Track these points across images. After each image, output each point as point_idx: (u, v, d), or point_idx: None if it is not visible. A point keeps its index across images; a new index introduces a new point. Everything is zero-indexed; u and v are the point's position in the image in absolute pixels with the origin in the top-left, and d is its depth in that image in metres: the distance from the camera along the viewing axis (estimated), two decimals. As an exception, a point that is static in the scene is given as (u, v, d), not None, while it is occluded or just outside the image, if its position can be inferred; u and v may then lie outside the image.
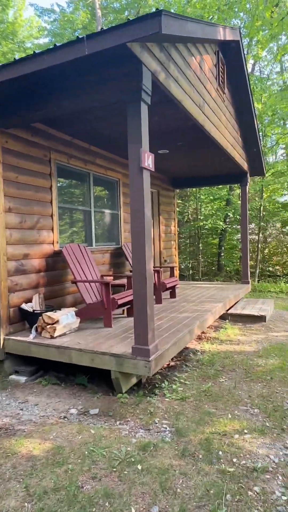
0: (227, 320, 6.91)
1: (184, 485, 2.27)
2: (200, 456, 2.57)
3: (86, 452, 2.65)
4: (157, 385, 3.92)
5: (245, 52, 14.18)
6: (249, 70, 14.67)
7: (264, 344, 5.35)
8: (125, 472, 2.42)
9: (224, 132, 6.54)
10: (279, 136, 14.46)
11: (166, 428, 3.01)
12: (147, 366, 3.45)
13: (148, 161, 3.48)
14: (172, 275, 7.50)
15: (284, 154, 17.14)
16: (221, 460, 2.51)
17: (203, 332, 6.11)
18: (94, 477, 2.38)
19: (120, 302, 4.79)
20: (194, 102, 4.76)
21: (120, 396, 3.58)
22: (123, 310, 5.69)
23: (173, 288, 7.01)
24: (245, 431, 2.89)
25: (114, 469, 2.45)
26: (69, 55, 3.20)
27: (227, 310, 7.05)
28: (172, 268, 7.47)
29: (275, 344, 5.38)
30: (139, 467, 2.46)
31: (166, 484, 2.28)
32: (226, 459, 2.52)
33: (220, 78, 6.17)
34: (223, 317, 7.00)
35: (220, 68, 6.19)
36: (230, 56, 6.51)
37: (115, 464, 2.49)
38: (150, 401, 3.51)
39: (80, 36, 3.11)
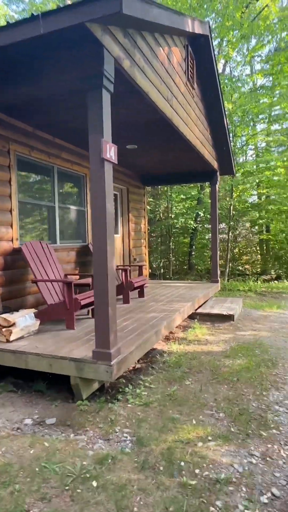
0: (196, 320, 6.83)
1: (142, 503, 2.09)
2: (161, 468, 2.39)
3: (37, 469, 2.41)
4: (120, 390, 3.72)
5: (216, 53, 14.26)
6: (220, 70, 14.76)
7: (232, 344, 5.28)
8: (79, 490, 2.20)
9: (194, 128, 6.43)
10: (248, 137, 14.66)
11: (126, 438, 2.82)
12: (109, 371, 3.24)
13: (110, 152, 3.27)
14: (140, 274, 7.33)
15: (254, 155, 17.43)
16: (183, 472, 2.35)
17: (171, 332, 5.98)
18: (44, 498, 2.15)
19: (83, 302, 4.55)
20: (161, 95, 4.59)
21: (79, 404, 3.35)
22: (88, 311, 5.44)
23: (141, 288, 6.84)
24: (209, 438, 2.75)
25: (67, 488, 2.23)
26: (23, 34, 2.93)
27: (196, 310, 6.97)
28: (140, 267, 7.30)
29: (242, 343, 5.33)
30: (94, 483, 2.25)
31: (122, 502, 2.09)
32: (188, 470, 2.37)
33: (190, 73, 6.05)
34: (192, 317, 6.92)
35: (190, 63, 6.07)
36: (200, 52, 6.40)
37: (68, 482, 2.27)
38: (112, 407, 3.30)
39: (35, 14, 2.85)
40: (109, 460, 2.49)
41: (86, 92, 3.22)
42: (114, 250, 3.46)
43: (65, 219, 6.41)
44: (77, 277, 6.20)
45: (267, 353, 4.85)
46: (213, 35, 13.61)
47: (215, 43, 13.87)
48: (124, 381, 3.97)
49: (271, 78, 15.26)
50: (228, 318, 6.75)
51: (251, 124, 14.37)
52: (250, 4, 12.74)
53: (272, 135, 14.71)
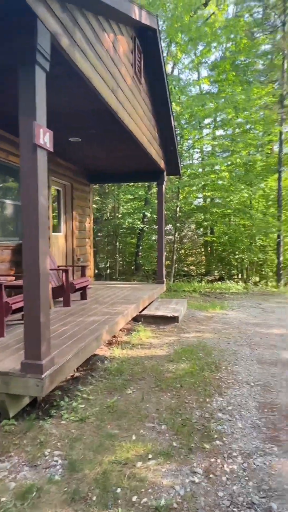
0: (140, 322, 6.63)
1: None
2: (94, 499, 2.10)
3: None
4: (55, 404, 3.35)
5: (165, 54, 14.31)
6: (169, 71, 14.83)
7: (176, 347, 5.15)
8: (-8, 537, 1.83)
9: (141, 125, 6.22)
10: (195, 140, 14.91)
11: (57, 462, 2.48)
12: (39, 384, 2.86)
13: (45, 138, 2.90)
14: (83, 274, 6.95)
15: (200, 158, 17.83)
16: (119, 501, 2.08)
17: (114, 336, 5.69)
18: None
19: (15, 306, 4.08)
20: (106, 83, 4.30)
21: (5, 423, 2.92)
22: (23, 316, 4.94)
23: (84, 289, 6.47)
24: (150, 456, 2.51)
25: (-23, 535, 1.84)
26: None
27: (141, 311, 6.77)
28: (83, 267, 6.91)
29: (186, 346, 5.22)
30: (13, 526, 1.89)
31: None
32: (124, 498, 2.10)
33: (137, 66, 5.83)
34: (136, 319, 6.70)
35: (137, 57, 5.85)
36: (148, 46, 6.21)
37: (-21, 527, 1.88)
38: (43, 426, 2.93)
39: None
40: (34, 493, 2.14)
41: (18, 69, 2.82)
42: (47, 249, 3.09)
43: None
44: (13, 278, 5.64)
45: (211, 356, 4.78)
46: (162, 36, 13.63)
47: (163, 44, 13.90)
48: (60, 392, 3.60)
49: (217, 85, 15.73)
50: (173, 320, 6.64)
51: (198, 127, 14.63)
52: (198, 10, 12.94)
53: (217, 140, 15.11)
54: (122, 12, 4.26)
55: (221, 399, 3.48)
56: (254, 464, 2.42)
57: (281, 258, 14.17)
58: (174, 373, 4.13)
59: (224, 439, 2.75)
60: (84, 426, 2.93)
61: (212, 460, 2.47)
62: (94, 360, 4.61)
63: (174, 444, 2.67)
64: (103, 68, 4.20)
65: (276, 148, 15.78)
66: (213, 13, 14.04)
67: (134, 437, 2.76)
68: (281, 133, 13.87)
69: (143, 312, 6.81)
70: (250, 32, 15.69)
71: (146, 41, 6.11)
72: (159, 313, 6.81)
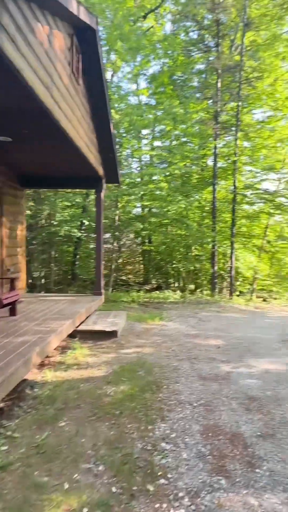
0: (77, 338, 6.17)
1: None
2: None
3: None
4: None
5: (104, 61, 14.13)
6: (108, 78, 14.66)
7: (115, 366, 4.81)
8: None
9: (78, 128, 5.87)
10: (134, 149, 14.90)
11: None
12: None
13: None
14: (13, 288, 6.29)
15: (139, 168, 17.90)
16: None
17: (47, 356, 5.17)
18: None
19: None
20: (39, 78, 3.89)
21: None
22: None
23: (13, 304, 5.83)
24: (85, 510, 2.14)
25: None
26: None
27: (77, 327, 6.31)
28: (13, 280, 6.27)
29: (125, 364, 4.91)
30: None
31: None
32: None
33: (75, 66, 5.48)
34: (72, 335, 6.23)
35: (75, 56, 5.51)
36: (87, 47, 5.90)
37: None
38: None
39: None
40: None
41: None
42: None
43: None
44: None
45: (151, 374, 4.54)
46: (102, 43, 13.45)
47: (103, 49, 13.72)
48: (-23, 432, 3.04)
49: (155, 97, 15.98)
50: (112, 334, 6.30)
51: (137, 137, 14.65)
52: (138, 21, 13.02)
53: (156, 150, 15.30)
54: (57, 1, 3.90)
55: (164, 425, 3.23)
56: (203, 504, 2.19)
57: (216, 268, 14.68)
58: (113, 397, 3.80)
59: (169, 475, 2.49)
60: (5, 476, 2.45)
61: (157, 505, 2.19)
62: (23, 386, 4.08)
63: (114, 489, 2.33)
64: (36, 61, 3.79)
65: (210, 162, 16.47)
66: (152, 26, 14.28)
67: (66, 485, 2.36)
68: (215, 147, 14.48)
69: (80, 327, 6.37)
70: (186, 50, 16.29)
71: (85, 42, 5.81)
72: (97, 327, 6.43)
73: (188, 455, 2.75)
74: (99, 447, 2.82)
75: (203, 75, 17.29)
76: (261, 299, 15.63)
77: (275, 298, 16.07)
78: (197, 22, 15.74)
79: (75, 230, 13.89)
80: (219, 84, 14.47)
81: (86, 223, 14.43)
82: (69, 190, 14.44)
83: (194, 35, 17.49)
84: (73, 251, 15.78)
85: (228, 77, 14.93)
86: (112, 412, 3.45)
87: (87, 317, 7.13)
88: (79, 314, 6.31)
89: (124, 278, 18.47)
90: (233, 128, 14.76)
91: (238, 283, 16.55)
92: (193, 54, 16.47)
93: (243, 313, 11.01)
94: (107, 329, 6.29)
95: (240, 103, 14.22)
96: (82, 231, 14.54)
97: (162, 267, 18.32)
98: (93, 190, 9.88)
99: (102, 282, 9.03)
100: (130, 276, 19.31)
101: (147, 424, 3.23)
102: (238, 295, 15.24)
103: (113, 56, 14.42)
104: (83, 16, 4.81)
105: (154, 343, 6.23)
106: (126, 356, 5.34)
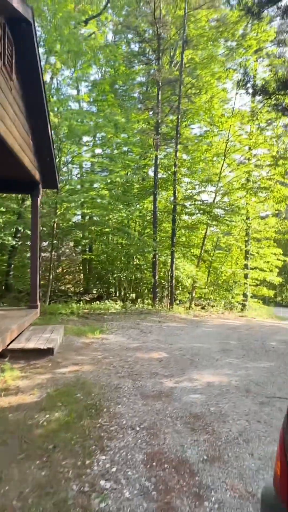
0: (7, 359, 5.54)
1: None
2: None
3: None
4: None
5: (43, 63, 13.55)
6: (47, 80, 14.06)
7: (49, 389, 4.34)
8: None
9: (11, 127, 5.36)
10: (74, 155, 14.44)
11: None
12: None
13: None
14: None
15: (79, 175, 17.43)
16: None
17: None
18: None
19: None
20: None
21: None
22: None
23: None
24: None
25: None
26: None
27: (8, 345, 5.69)
28: None
29: (62, 386, 4.47)
30: None
31: None
32: None
33: (7, 59, 5.01)
34: (2, 354, 5.59)
35: (8, 48, 5.04)
36: (21, 41, 5.46)
37: None
38: None
39: None
40: None
41: None
42: None
43: None
44: None
45: (90, 396, 4.17)
46: (40, 44, 12.88)
47: (41, 50, 13.16)
48: None
49: (96, 105, 15.76)
50: (47, 352, 5.78)
51: (77, 143, 14.22)
52: (78, 25, 12.72)
53: (97, 157, 15.01)
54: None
55: (104, 457, 2.89)
56: None
57: (157, 277, 14.71)
58: (45, 428, 3.36)
59: (109, 523, 2.17)
60: None
61: None
62: None
63: None
64: None
65: (151, 172, 16.62)
66: (94, 33, 14.08)
67: None
68: (156, 157, 14.63)
69: (11, 345, 5.75)
70: (128, 60, 16.39)
71: (19, 35, 5.36)
72: (31, 345, 5.86)
73: (131, 493, 2.45)
74: (27, 496, 2.39)
75: (144, 87, 17.55)
76: (200, 307, 16.04)
77: (212, 306, 16.62)
78: (138, 34, 15.94)
79: (10, 238, 12.94)
80: (160, 96, 14.72)
81: (22, 230, 13.54)
82: (3, 195, 13.47)
83: (135, 47, 17.73)
84: (7, 260, 14.70)
85: (169, 90, 15.28)
86: (44, 446, 3.02)
87: (19, 334, 6.50)
88: (10, 331, 5.70)
89: (63, 288, 17.70)
90: (173, 140, 15.10)
91: (178, 291, 16.80)
92: (134, 65, 16.63)
93: (184, 322, 11.10)
94: (42, 347, 5.76)
95: (179, 116, 14.59)
96: (17, 239, 13.60)
97: (103, 277, 17.93)
98: (29, 195, 9.24)
99: (39, 293, 8.40)
100: (69, 286, 18.59)
101: (85, 458, 2.87)
102: (177, 304, 15.44)
103: (52, 59, 13.92)
104: (16, 3, 4.39)
105: (94, 359, 5.86)
106: (62, 376, 4.89)
